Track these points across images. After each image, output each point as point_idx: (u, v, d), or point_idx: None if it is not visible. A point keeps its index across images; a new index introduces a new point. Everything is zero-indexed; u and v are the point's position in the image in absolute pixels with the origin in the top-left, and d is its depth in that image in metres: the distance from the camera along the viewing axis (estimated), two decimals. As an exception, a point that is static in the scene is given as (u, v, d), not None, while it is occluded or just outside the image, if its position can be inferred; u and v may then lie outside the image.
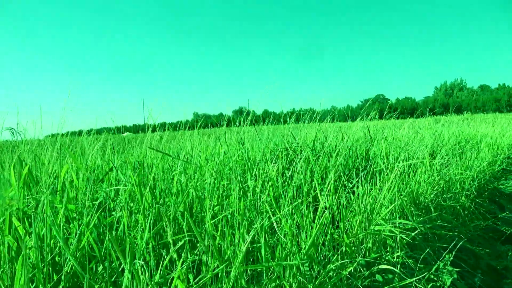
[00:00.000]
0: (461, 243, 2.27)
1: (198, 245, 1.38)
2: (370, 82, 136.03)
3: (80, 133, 3.15)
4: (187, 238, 1.35)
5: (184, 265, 1.35)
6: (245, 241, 1.42)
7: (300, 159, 2.38)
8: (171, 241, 1.29)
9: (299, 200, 1.78)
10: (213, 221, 1.61)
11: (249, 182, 1.97)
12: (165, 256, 1.39)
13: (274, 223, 1.53)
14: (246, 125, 3.21)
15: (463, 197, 3.17)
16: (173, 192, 1.83)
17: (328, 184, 1.93)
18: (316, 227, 1.57)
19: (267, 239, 1.69)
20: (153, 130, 2.93)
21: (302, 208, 1.77)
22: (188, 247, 1.42)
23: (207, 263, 1.35)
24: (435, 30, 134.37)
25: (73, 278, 1.31)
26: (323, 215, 1.72)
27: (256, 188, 1.92)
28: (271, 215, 1.52)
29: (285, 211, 1.70)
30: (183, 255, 1.49)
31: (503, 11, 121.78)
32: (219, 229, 1.56)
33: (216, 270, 1.35)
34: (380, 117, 5.14)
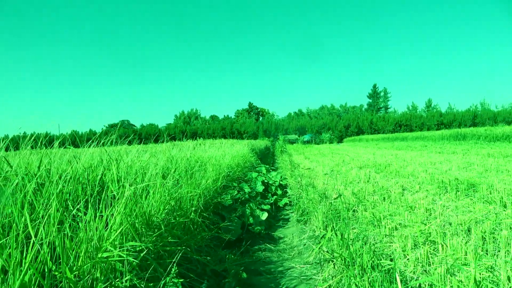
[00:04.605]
0: (183, 255, 2.49)
1: None
2: (115, 107, 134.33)
3: None
4: None
5: None
6: None
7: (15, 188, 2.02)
8: None
9: (5, 239, 1.49)
10: None
11: None
12: None
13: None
14: None
15: (192, 212, 3.53)
16: None
17: (48, 215, 1.72)
18: (25, 268, 1.34)
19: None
20: None
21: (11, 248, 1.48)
22: None
23: None
24: (166, 67, 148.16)
25: None
26: (38, 251, 1.50)
27: None
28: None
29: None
30: None
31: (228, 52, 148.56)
32: None
33: None
34: (128, 142, 5.12)
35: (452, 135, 26.26)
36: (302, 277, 3.23)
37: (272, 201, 6.14)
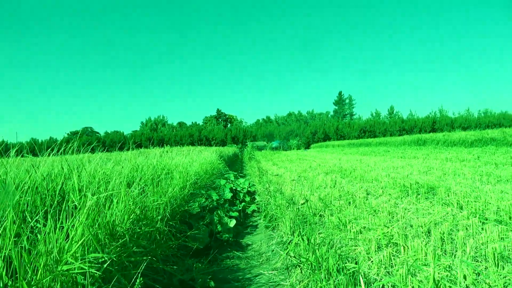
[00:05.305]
0: (149, 265, 2.44)
1: None
2: (78, 114, 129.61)
3: None
4: None
5: None
6: None
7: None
8: None
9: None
10: None
11: None
12: None
13: None
14: None
15: (158, 221, 3.46)
16: None
17: (3, 227, 1.63)
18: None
19: None
20: None
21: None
22: None
23: None
24: (138, 73, 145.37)
25: None
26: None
27: None
28: None
29: None
30: None
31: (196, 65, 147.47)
32: None
33: None
34: (91, 150, 4.95)
35: (413, 140, 27.40)
36: (270, 283, 3.24)
37: (240, 208, 6.13)
